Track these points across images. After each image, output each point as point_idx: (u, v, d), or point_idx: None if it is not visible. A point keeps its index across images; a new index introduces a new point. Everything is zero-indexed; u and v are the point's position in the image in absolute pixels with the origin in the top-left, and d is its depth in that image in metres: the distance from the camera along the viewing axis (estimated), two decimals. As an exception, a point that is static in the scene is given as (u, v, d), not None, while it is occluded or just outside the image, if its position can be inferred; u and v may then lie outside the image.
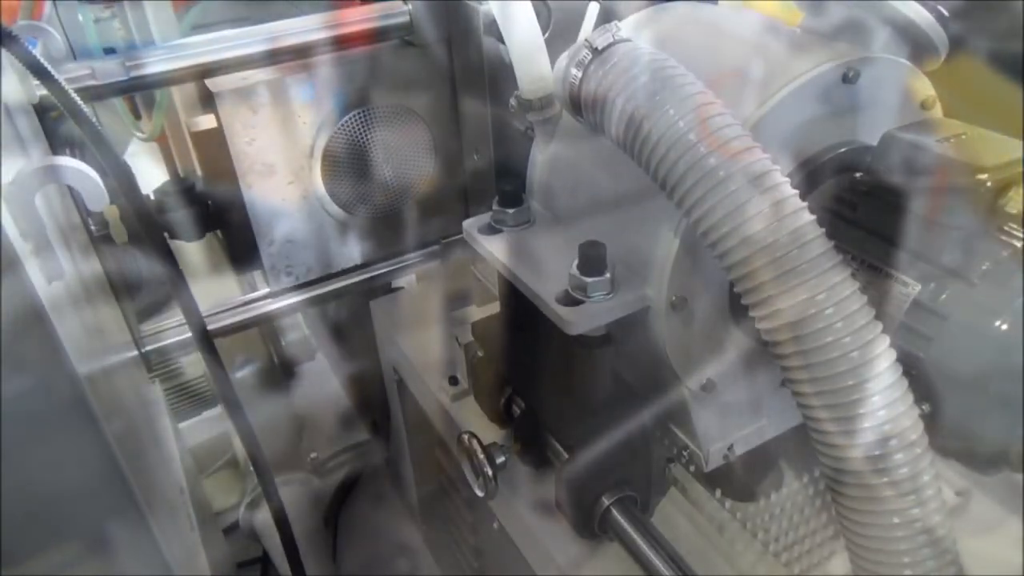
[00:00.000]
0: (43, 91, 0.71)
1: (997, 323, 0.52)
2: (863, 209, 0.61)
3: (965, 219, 0.54)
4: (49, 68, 0.50)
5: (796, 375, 0.53)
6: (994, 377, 0.52)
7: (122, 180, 0.53)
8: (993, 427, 0.54)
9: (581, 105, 0.65)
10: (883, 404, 0.51)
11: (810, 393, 0.53)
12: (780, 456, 0.89)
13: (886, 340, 0.52)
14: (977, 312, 0.53)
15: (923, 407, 0.54)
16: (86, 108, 0.53)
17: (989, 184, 0.52)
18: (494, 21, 0.77)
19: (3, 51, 0.51)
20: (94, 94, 0.75)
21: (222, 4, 1.75)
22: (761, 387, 0.78)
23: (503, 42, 0.77)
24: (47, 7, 2.05)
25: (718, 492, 0.80)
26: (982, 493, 0.84)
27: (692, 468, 0.82)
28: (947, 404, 0.54)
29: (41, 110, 0.73)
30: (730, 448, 0.79)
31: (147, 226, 0.60)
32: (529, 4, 0.77)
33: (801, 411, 0.55)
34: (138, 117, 2.45)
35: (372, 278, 1.01)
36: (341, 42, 0.86)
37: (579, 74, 0.64)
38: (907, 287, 0.57)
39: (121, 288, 0.87)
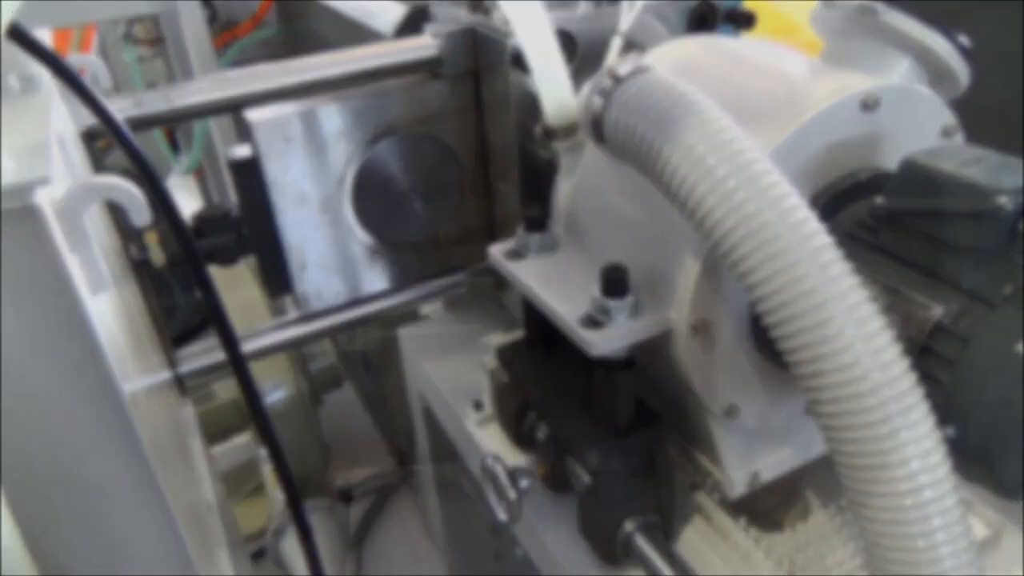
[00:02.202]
0: (91, 120, 0.75)
1: (1019, 346, 0.52)
2: (883, 234, 0.61)
3: (985, 242, 0.55)
4: (97, 96, 0.53)
5: (817, 396, 0.54)
6: (1017, 400, 0.52)
7: (163, 201, 0.56)
8: (1017, 451, 0.53)
9: (603, 132, 0.67)
10: (904, 426, 0.51)
11: (831, 414, 0.53)
12: (807, 485, 0.88)
13: (907, 362, 0.52)
14: (999, 335, 0.53)
15: (946, 431, 0.54)
16: (131, 135, 0.56)
17: (1009, 207, 0.53)
18: (521, 53, 0.80)
19: (57, 80, 0.54)
20: (139, 123, 0.79)
21: (259, 42, 1.83)
22: (786, 413, 0.78)
23: (529, 73, 0.79)
24: (95, 43, 2.14)
25: (743, 520, 0.79)
26: (1016, 526, 0.82)
27: (717, 495, 0.82)
28: (970, 427, 0.54)
29: (88, 138, 0.77)
30: (755, 475, 0.78)
31: (186, 248, 0.62)
32: (555, 37, 0.79)
33: (823, 433, 0.55)
34: (176, 151, 2.52)
35: (400, 304, 1.03)
36: (372, 75, 0.89)
37: (601, 102, 0.66)
38: (928, 310, 0.57)
39: (157, 310, 0.90)
